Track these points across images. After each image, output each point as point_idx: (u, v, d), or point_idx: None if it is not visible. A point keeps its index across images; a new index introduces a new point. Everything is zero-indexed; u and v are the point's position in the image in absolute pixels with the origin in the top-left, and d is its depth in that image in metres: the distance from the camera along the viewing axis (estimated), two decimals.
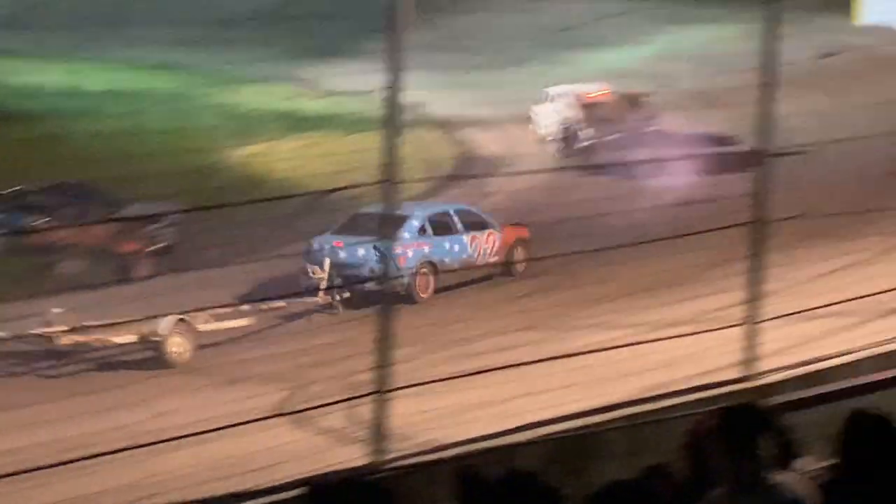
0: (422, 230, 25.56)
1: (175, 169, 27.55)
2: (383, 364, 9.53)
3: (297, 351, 20.11)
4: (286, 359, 19.62)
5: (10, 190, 27.01)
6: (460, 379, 12.03)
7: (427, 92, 37.41)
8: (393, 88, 9.62)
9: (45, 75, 44.89)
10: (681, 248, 19.99)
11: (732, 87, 32.21)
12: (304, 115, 41.99)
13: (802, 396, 9.86)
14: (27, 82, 43.30)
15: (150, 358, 20.33)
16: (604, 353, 13.57)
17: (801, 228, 20.86)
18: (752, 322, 11.59)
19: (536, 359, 12.90)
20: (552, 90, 41.21)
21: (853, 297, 14.81)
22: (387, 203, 9.92)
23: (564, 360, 13.02)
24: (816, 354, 12.38)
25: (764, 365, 11.70)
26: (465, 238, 25.86)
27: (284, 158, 35.06)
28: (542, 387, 12.85)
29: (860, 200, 28.78)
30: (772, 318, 12.57)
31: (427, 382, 12.00)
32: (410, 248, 24.55)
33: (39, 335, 20.19)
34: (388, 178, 9.70)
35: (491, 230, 26.40)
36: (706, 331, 13.60)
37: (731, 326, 12.52)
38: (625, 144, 36.06)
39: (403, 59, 9.63)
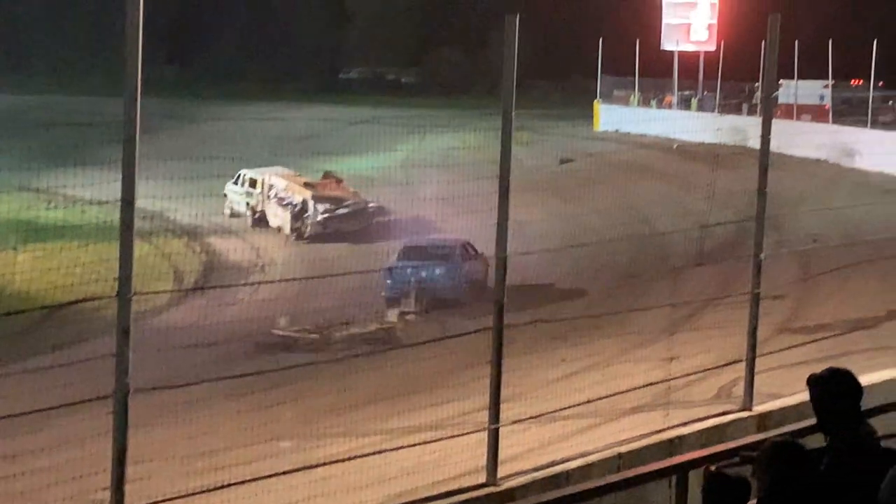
0: None
1: None
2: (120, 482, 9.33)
3: None
4: None
5: None
6: (202, 496, 11.76)
7: (170, 200, 37.10)
8: (129, 197, 9.51)
9: None
10: (424, 354, 20.24)
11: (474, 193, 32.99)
12: (41, 224, 40.92)
13: (543, 500, 10.05)
14: None
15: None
16: (350, 461, 13.50)
17: (541, 332, 21.46)
18: (493, 426, 11.81)
19: (281, 471, 12.72)
20: (246, 172, 43.33)
21: (593, 398, 15.23)
22: (122, 316, 9.66)
23: (309, 470, 12.92)
24: (556, 457, 12.67)
25: (506, 469, 11.92)
26: None
27: (21, 269, 33.99)
28: (288, 499, 12.68)
29: (598, 303, 29.84)
30: (513, 423, 12.85)
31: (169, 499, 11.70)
32: None
33: None
34: (125, 291, 9.52)
35: None
36: (450, 437, 13.75)
37: (474, 432, 12.75)
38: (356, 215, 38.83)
39: (135, 168, 9.55)
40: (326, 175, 45.40)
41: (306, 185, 43.89)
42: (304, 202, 42.13)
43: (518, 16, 11.40)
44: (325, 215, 41.07)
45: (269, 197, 44.04)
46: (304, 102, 65.73)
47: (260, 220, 44.06)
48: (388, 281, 31.42)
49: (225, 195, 45.12)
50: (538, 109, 56.74)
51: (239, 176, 45.45)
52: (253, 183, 45.34)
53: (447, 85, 75.17)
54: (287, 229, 42.24)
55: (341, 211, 41.47)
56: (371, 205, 42.35)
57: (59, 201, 46.07)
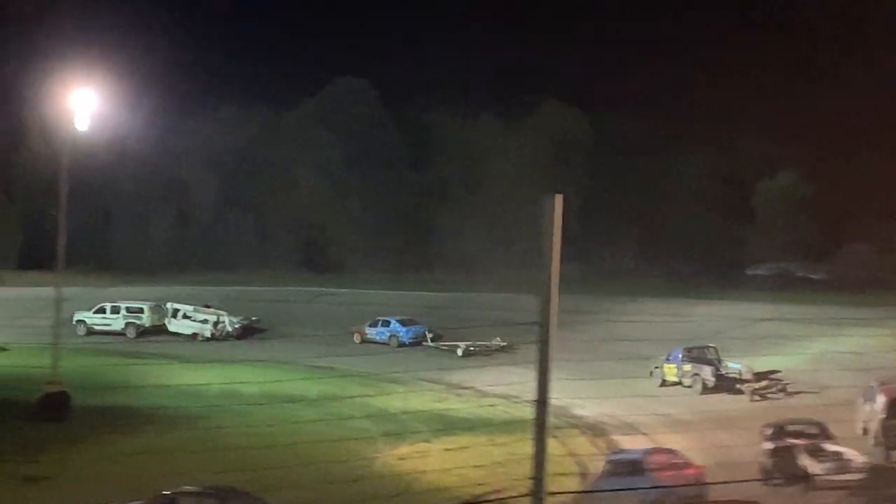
0: None
1: (324, 478, 27.87)
2: None
3: None
4: None
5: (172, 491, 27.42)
6: None
7: (575, 396, 37.71)
8: (543, 397, 9.76)
9: (205, 377, 46.32)
10: None
11: None
12: (453, 418, 42.32)
13: None
14: (190, 383, 44.67)
15: None
16: None
17: None
18: None
19: None
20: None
21: None
22: None
23: None
24: None
25: None
26: None
27: (434, 461, 35.13)
28: None
29: None
30: None
31: None
32: None
33: None
34: (539, 490, 9.72)
35: None
36: None
37: None
38: None
39: (551, 367, 9.82)
40: None
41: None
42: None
43: None
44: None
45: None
46: (707, 300, 65.51)
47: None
48: None
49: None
50: None
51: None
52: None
53: (858, 282, 73.08)
54: None
55: None
56: None
57: (468, 396, 47.65)
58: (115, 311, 66.85)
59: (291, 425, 37.65)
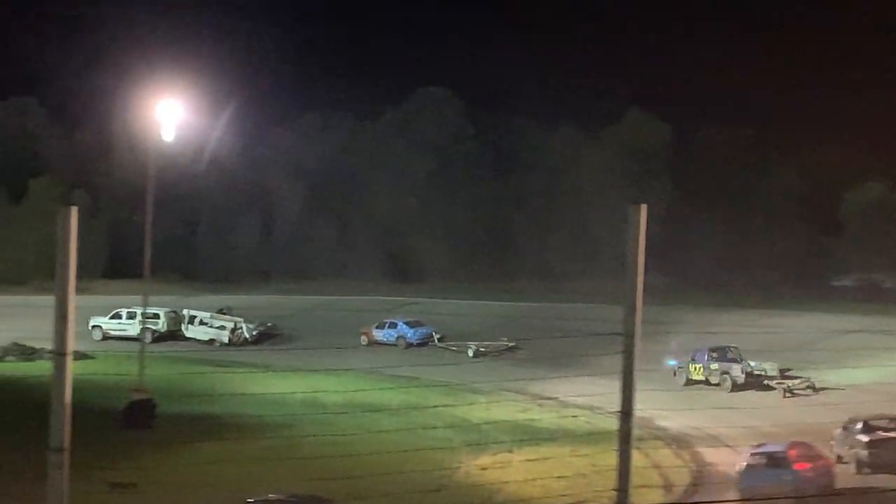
0: None
1: (406, 487, 27.89)
2: None
3: None
4: None
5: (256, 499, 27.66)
6: None
7: (659, 407, 37.42)
8: (627, 408, 9.69)
9: (289, 386, 46.62)
10: None
11: None
12: (535, 428, 42.16)
13: None
14: (273, 392, 44.98)
15: None
16: None
17: None
18: None
19: None
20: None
21: None
22: None
23: None
24: None
25: None
26: None
27: (516, 472, 35.02)
28: None
29: None
30: None
31: None
32: None
33: None
34: (622, 501, 9.64)
35: None
36: None
37: None
38: None
39: (635, 377, 9.76)
40: None
41: None
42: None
43: None
44: None
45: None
46: (792, 311, 64.78)
47: None
48: None
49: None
50: None
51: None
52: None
53: None
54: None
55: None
56: None
57: (551, 406, 47.47)
58: (132, 316, 67.35)
59: (374, 434, 37.75)
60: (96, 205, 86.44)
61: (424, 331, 65.69)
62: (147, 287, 48.06)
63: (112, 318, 68.22)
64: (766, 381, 50.72)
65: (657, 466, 36.48)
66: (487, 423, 43.21)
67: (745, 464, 34.83)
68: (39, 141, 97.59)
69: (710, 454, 39.48)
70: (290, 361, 55.99)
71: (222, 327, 65.64)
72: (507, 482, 34.49)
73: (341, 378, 50.50)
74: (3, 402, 45.99)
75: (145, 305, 52.60)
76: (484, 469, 36.48)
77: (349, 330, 64.93)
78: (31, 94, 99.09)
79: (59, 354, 8.40)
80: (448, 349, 61.70)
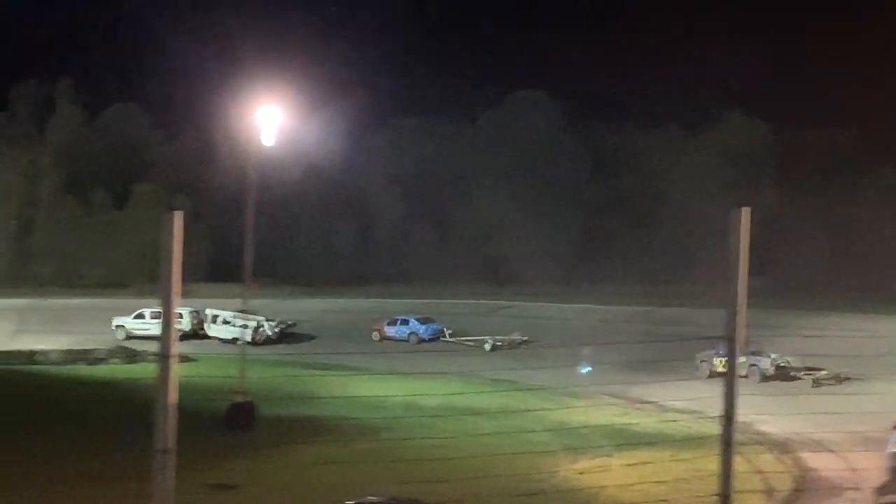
0: None
1: (504, 491, 27.84)
2: None
3: None
4: None
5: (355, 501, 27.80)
6: None
7: (761, 412, 37.00)
8: (730, 413, 9.61)
9: (386, 389, 46.83)
10: None
11: None
12: (634, 432, 41.91)
13: None
14: (371, 395, 45.23)
15: None
16: None
17: None
18: None
19: None
20: None
21: None
22: None
23: None
24: None
25: None
26: None
27: (615, 476, 34.81)
28: None
29: None
30: None
31: None
32: None
33: None
34: None
35: None
36: None
37: None
38: None
39: (737, 382, 9.68)
40: None
41: None
42: None
43: None
44: None
45: None
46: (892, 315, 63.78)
47: None
48: None
49: None
50: None
51: None
52: None
53: None
54: None
55: None
56: None
57: (650, 410, 47.12)
58: (155, 316, 67.88)
59: (472, 438, 37.77)
60: (197, 209, 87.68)
61: (435, 327, 68.36)
62: (248, 291, 48.56)
63: (135, 318, 70.46)
64: (792, 374, 54.27)
65: (759, 472, 36.03)
66: (586, 426, 43.00)
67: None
68: (143, 147, 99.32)
69: (812, 459, 38.92)
70: (388, 364, 56.33)
71: (245, 326, 66.81)
72: (605, 487, 34.25)
73: (439, 381, 50.61)
74: (108, 403, 46.82)
75: (244, 309, 53.32)
76: (582, 473, 36.30)
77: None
78: (135, 100, 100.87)
79: (163, 357, 8.52)
80: (463, 344, 64.49)
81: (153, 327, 67.61)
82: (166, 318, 8.62)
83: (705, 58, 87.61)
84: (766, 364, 55.11)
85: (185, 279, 8.85)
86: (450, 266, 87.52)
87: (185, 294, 9.34)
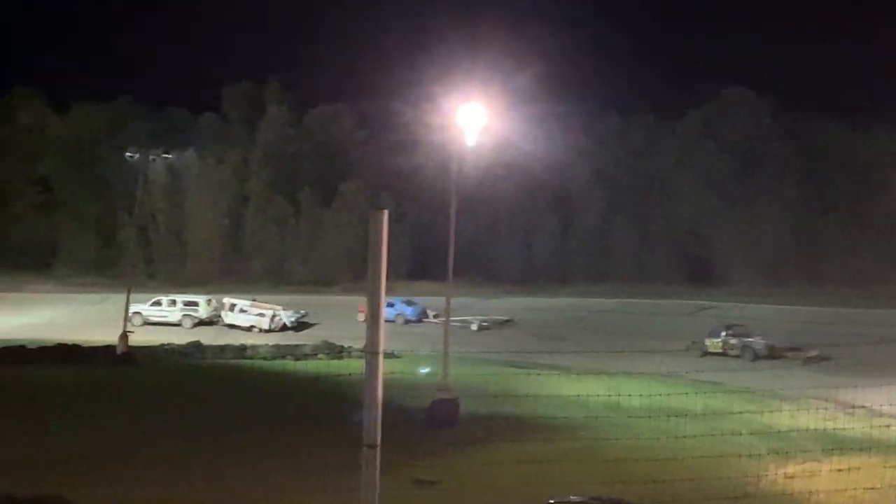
0: None
1: (708, 493, 27.29)
2: None
3: None
4: None
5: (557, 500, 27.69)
6: None
7: None
8: None
9: (588, 388, 46.57)
10: None
11: None
12: (843, 437, 40.74)
13: None
14: (571, 394, 45.04)
15: None
16: None
17: None
18: None
19: None
20: None
21: None
22: None
23: None
24: None
25: None
26: None
27: (824, 482, 33.89)
28: None
29: None
30: None
31: None
32: None
33: None
34: None
35: None
36: None
37: None
38: None
39: None
40: None
41: None
42: None
43: None
44: None
45: None
46: None
47: None
48: None
49: None
50: None
51: None
52: None
53: None
54: None
55: None
56: None
57: (861, 415, 45.75)
58: (172, 303, 73.16)
59: (675, 439, 37.25)
60: (400, 208, 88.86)
61: (419, 309, 73.17)
62: (450, 288, 48.85)
63: (153, 304, 73.49)
64: (784, 354, 59.64)
65: None
66: (793, 430, 42.01)
67: None
68: (348, 146, 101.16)
69: None
70: (587, 364, 56.01)
71: (261, 314, 70.24)
72: (814, 492, 33.39)
73: (640, 381, 50.12)
74: (316, 397, 47.77)
75: (448, 308, 53.79)
76: (790, 477, 35.47)
77: (644, 332, 64.46)
78: (341, 100, 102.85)
79: (371, 353, 8.58)
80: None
81: (170, 314, 72.88)
82: (373, 314, 8.67)
83: None
84: (759, 345, 60.56)
85: (389, 276, 8.89)
86: (651, 265, 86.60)
87: (389, 291, 9.37)
